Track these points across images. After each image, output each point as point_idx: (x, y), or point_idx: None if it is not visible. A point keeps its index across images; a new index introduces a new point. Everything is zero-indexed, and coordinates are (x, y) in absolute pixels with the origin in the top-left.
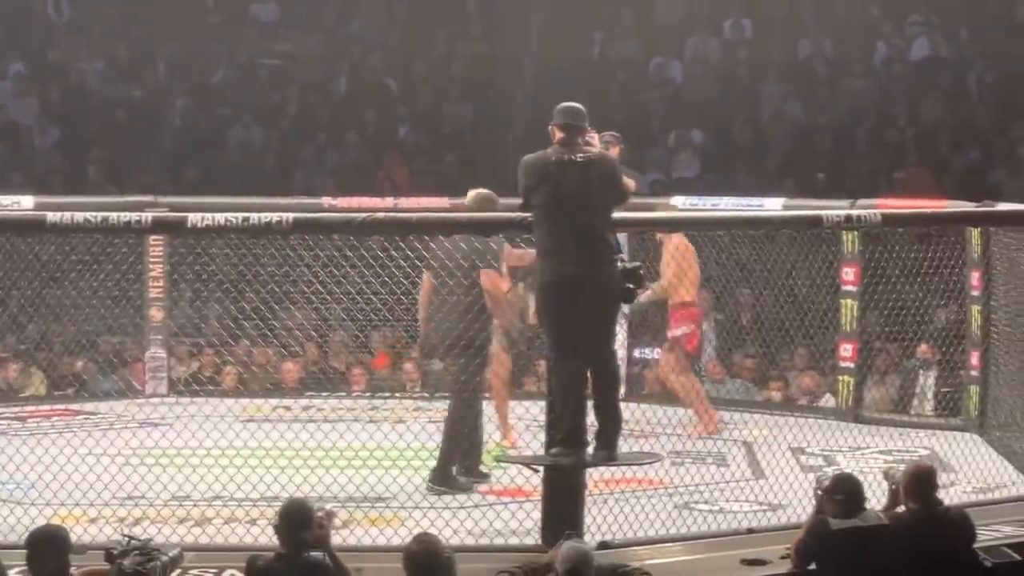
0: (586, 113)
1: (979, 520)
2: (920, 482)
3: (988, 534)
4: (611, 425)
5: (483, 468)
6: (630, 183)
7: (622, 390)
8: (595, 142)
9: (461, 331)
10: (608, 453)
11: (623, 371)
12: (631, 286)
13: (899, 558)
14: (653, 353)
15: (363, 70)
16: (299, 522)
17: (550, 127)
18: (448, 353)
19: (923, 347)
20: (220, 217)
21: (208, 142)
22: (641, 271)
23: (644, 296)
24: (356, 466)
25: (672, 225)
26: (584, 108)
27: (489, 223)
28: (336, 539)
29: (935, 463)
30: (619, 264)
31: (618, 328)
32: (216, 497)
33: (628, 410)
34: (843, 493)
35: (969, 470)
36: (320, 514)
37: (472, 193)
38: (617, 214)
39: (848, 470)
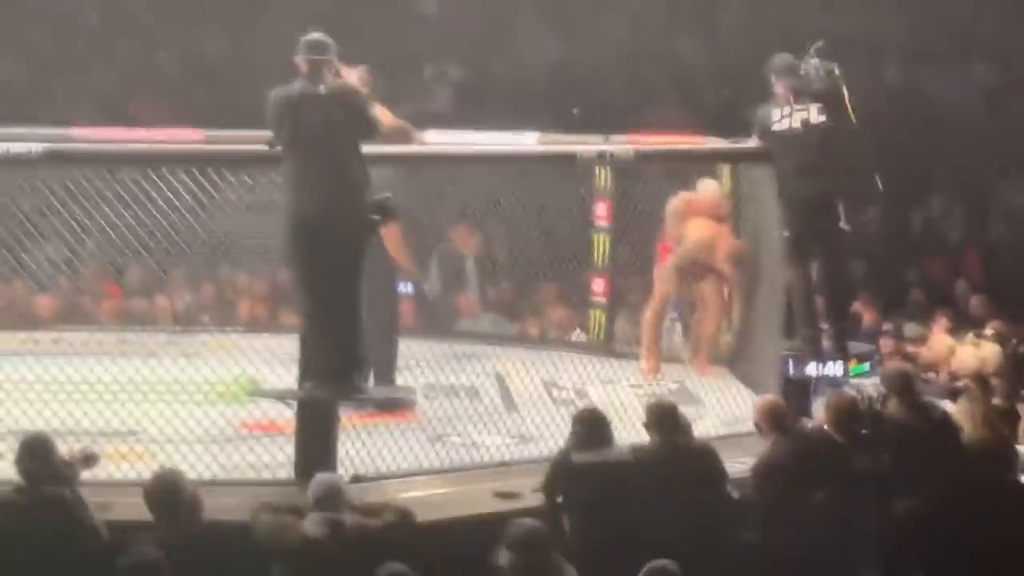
0: (333, 44)
1: (726, 453)
2: (660, 416)
3: (736, 467)
4: (353, 361)
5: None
6: (387, 117)
7: None
8: (351, 76)
9: None
10: (353, 389)
11: None
12: (378, 217)
13: (644, 491)
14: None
15: (115, 0)
16: (39, 455)
17: (296, 60)
18: None
19: None
20: None
21: None
22: (390, 203)
23: None
24: (106, 399)
25: (428, 160)
26: (331, 39)
27: (240, 158)
28: (86, 474)
29: (684, 396)
30: (368, 197)
31: None
32: None
33: None
34: (582, 426)
35: (717, 404)
36: (77, 453)
37: None
38: (374, 148)
39: (599, 403)
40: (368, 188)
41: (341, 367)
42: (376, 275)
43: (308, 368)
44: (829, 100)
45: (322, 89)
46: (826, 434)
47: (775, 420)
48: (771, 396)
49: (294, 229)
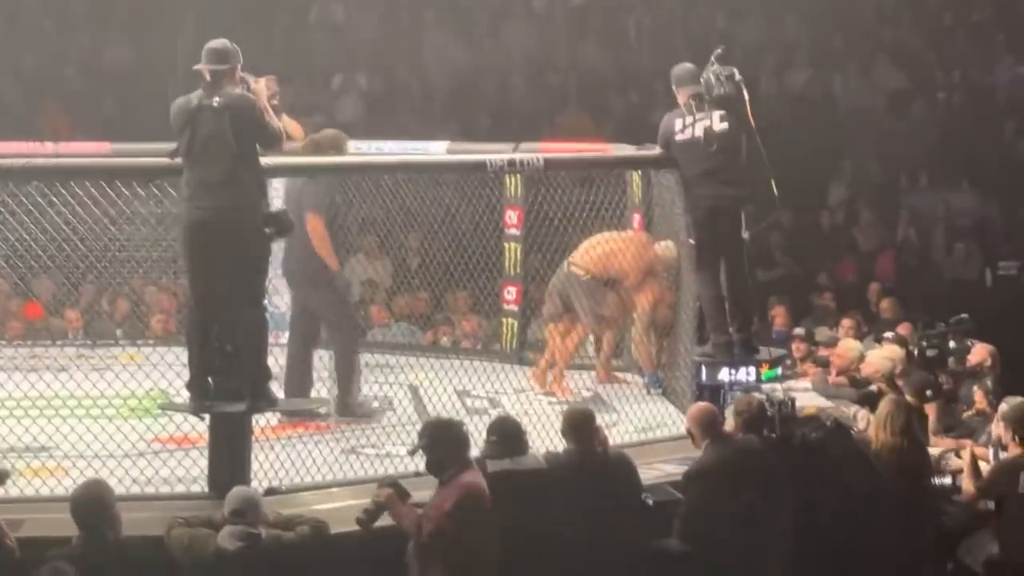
0: (236, 53)
1: (641, 459)
2: (574, 424)
3: (650, 473)
4: (259, 373)
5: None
6: (295, 127)
7: None
8: (262, 87)
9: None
10: (265, 401)
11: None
12: (270, 231)
13: (559, 499)
14: None
15: (20, 11)
16: None
17: (198, 68)
18: (296, 288)
19: None
20: None
21: None
22: (284, 216)
23: None
24: (17, 415)
25: (337, 170)
26: (235, 48)
27: (148, 170)
28: None
29: (598, 404)
30: (261, 209)
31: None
32: None
33: None
34: (497, 434)
35: (631, 410)
36: None
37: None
38: (277, 160)
39: (513, 412)
40: (261, 199)
41: (252, 379)
42: None
43: (220, 381)
44: (730, 105)
45: (216, 100)
46: (758, 441)
47: (707, 427)
48: (704, 404)
49: (184, 237)
